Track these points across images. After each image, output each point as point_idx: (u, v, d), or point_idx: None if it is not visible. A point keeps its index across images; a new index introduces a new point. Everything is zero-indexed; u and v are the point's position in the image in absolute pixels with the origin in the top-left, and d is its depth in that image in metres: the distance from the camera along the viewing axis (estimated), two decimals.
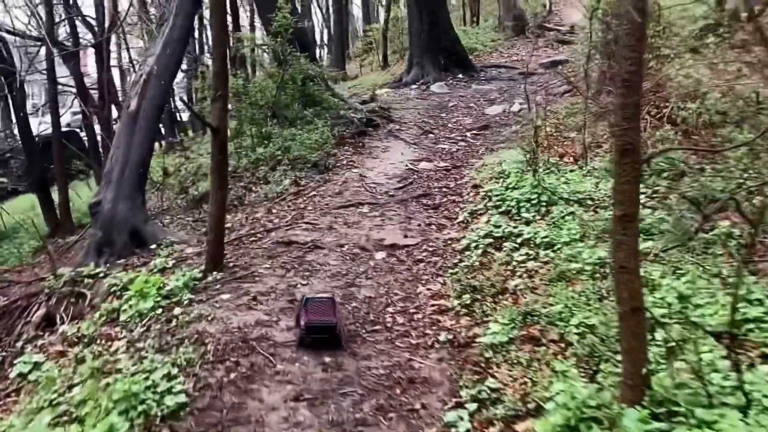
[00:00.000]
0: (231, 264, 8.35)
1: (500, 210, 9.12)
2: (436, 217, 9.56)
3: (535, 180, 9.16)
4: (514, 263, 7.44)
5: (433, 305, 7.03)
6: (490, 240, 8.08)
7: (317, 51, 39.77)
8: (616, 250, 4.22)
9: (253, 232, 9.60)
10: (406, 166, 12.20)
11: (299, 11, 15.78)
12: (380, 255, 8.45)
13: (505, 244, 7.89)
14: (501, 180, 10.43)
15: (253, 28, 26.68)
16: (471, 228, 8.89)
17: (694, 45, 11.98)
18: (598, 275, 6.62)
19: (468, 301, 6.81)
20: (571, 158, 11.03)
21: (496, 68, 20.85)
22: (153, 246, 9.52)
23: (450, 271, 7.73)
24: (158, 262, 8.76)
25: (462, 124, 15.29)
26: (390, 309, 7.06)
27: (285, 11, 13.46)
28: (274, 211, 10.48)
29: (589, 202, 8.82)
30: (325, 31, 44.34)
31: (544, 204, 8.83)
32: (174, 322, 6.88)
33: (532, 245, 7.70)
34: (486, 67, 20.86)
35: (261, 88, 14.56)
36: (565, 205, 8.71)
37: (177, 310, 7.20)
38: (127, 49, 27.64)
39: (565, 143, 11.84)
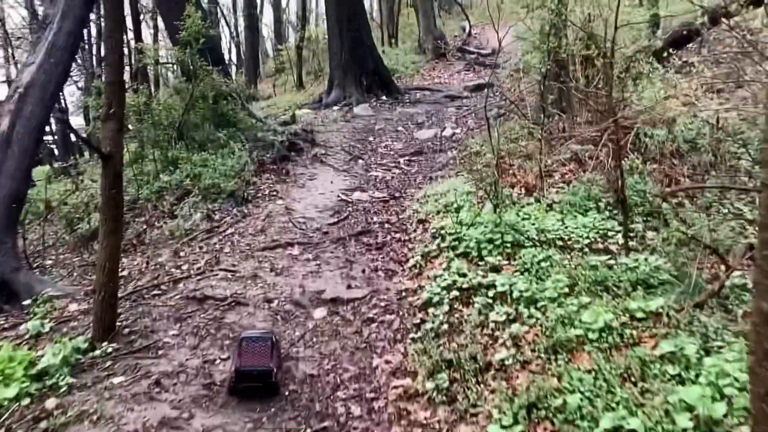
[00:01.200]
0: (127, 329, 6.36)
1: (457, 252, 7.56)
2: (383, 261, 7.88)
3: (495, 217, 7.66)
4: (492, 325, 5.86)
5: (396, 387, 5.32)
6: (456, 293, 6.48)
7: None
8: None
9: (156, 282, 7.60)
10: (338, 196, 10.49)
11: (210, 20, 13.84)
12: (320, 312, 6.67)
13: (475, 298, 6.30)
14: (451, 214, 8.91)
15: (156, 37, 24.28)
16: (427, 275, 7.27)
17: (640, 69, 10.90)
18: (607, 346, 5.12)
19: (444, 383, 5.14)
20: (523, 189, 9.65)
21: (420, 91, 19.52)
22: (27, 302, 7.38)
23: (411, 335, 6.06)
24: (32, 325, 6.64)
25: (393, 149, 13.74)
26: (340, 393, 5.30)
27: (196, 18, 11.52)
28: (182, 254, 8.50)
29: (559, 242, 7.41)
30: (234, 50, 42.11)
31: (508, 245, 7.34)
32: (45, 424, 4.87)
33: (509, 300, 6.15)
34: (410, 90, 19.50)
35: (166, 106, 12.49)
36: (535, 247, 7.25)
37: (51, 403, 5.19)
38: (15, 65, 24.60)
39: (511, 171, 10.48)
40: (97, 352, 5.90)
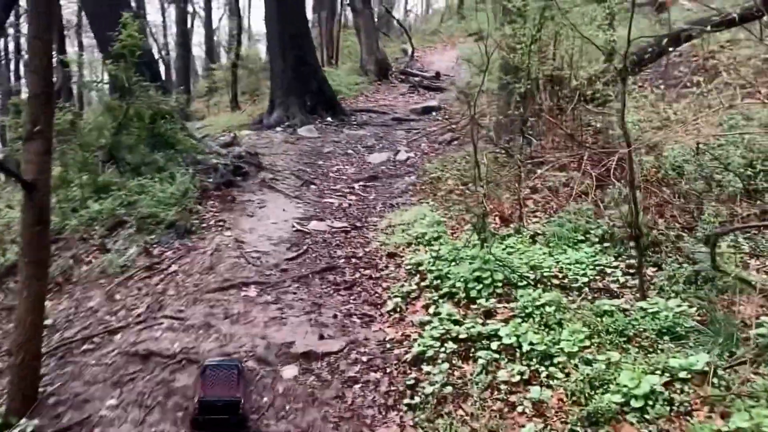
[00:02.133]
0: (52, 398, 5.07)
1: (441, 292, 6.60)
2: (355, 303, 6.80)
3: (484, 252, 6.72)
4: (504, 388, 4.88)
5: None
6: (452, 345, 5.48)
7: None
8: None
9: (87, 333, 6.28)
10: (293, 226, 9.34)
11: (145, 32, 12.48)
12: (290, 371, 5.53)
13: (477, 352, 5.32)
14: (423, 247, 7.94)
15: (82, 47, 22.49)
16: (410, 321, 6.25)
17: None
18: (655, 416, 4.22)
19: None
20: (498, 218, 8.79)
21: (366, 113, 18.58)
22: None
23: (406, 400, 5.00)
24: None
25: (345, 174, 12.70)
26: None
27: (133, 27, 10.21)
28: (117, 296, 7.18)
29: (555, 281, 6.54)
30: (163, 68, 40.25)
31: (499, 284, 6.43)
32: None
33: (518, 355, 5.19)
34: (355, 111, 18.53)
35: (96, 125, 11.08)
36: (530, 287, 6.36)
37: None
38: None
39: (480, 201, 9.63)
40: (16, 431, 4.60)
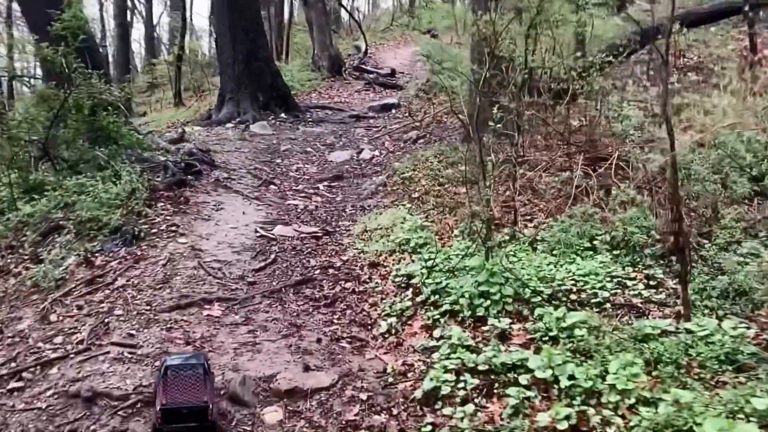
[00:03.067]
0: None
1: (441, 310, 5.59)
2: (341, 323, 5.72)
3: (489, 263, 5.74)
4: None
5: None
6: (471, 378, 4.47)
7: None
8: None
9: (15, 367, 4.99)
10: (256, 231, 8.16)
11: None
12: (273, 415, 4.40)
13: (503, 388, 4.33)
14: (409, 256, 6.94)
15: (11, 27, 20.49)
16: (410, 346, 5.22)
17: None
18: None
19: None
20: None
21: (322, 109, 17.45)
22: None
23: None
24: None
25: (307, 173, 11.56)
26: None
27: (77, 6, 8.80)
28: (53, 317, 5.87)
29: (573, 297, 5.62)
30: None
31: (509, 301, 5.46)
32: None
33: (555, 391, 4.23)
34: (310, 108, 17.36)
35: (28, 116, 9.61)
36: (546, 303, 5.43)
37: None
38: None
39: (458, 201, 8.69)
40: None
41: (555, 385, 4.19)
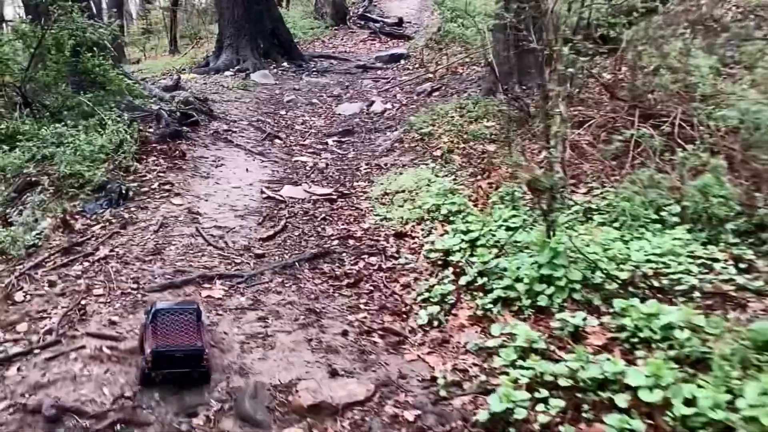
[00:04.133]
0: None
1: (491, 296, 4.48)
2: (369, 310, 4.59)
3: (551, 240, 4.60)
4: None
5: None
6: (553, 399, 3.37)
7: None
8: None
9: None
10: (262, 192, 6.99)
11: None
12: None
13: (599, 413, 3.23)
14: (440, 225, 5.80)
15: None
16: (459, 343, 4.11)
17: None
18: None
19: None
20: (524, 187, 6.68)
21: (326, 59, 16.07)
22: None
23: None
24: None
25: (314, 127, 10.32)
26: None
27: None
28: (18, 296, 4.71)
29: (655, 283, 4.50)
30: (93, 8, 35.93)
31: (577, 287, 4.35)
32: None
33: (668, 420, 3.13)
34: (314, 57, 15.99)
35: (2, 55, 8.28)
36: (620, 289, 4.33)
37: None
38: None
39: (487, 160, 7.51)
40: None
41: (668, 413, 3.10)
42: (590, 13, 8.94)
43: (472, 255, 4.96)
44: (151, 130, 8.43)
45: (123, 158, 6.83)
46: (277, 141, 9.21)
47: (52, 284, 4.82)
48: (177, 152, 7.69)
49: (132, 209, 6.19)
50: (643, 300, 4.03)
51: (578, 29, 8.77)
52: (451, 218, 5.92)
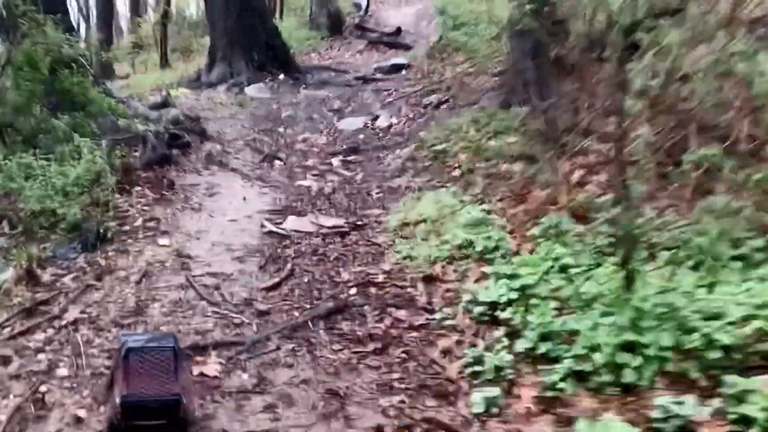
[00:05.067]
0: None
1: (561, 370, 3.48)
2: (406, 391, 3.56)
3: (632, 296, 3.59)
4: None
5: None
6: None
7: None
8: None
9: None
10: (263, 226, 5.95)
11: None
12: None
13: None
14: (476, 265, 4.81)
15: None
16: None
17: None
18: None
19: None
20: (569, 214, 5.68)
21: (324, 70, 15.05)
22: None
23: None
24: None
25: (316, 145, 9.30)
26: None
27: None
28: None
29: (759, 345, 3.50)
30: (83, 25, 34.91)
31: (667, 355, 3.36)
32: None
33: None
34: (311, 69, 14.97)
35: None
36: (725, 361, 3.34)
37: None
38: None
39: (512, 181, 6.52)
40: None
41: None
42: (622, 16, 8.02)
43: (526, 310, 3.95)
44: (137, 153, 7.41)
45: (102, 192, 5.78)
46: (276, 162, 8.19)
47: (6, 361, 3.78)
48: (165, 181, 6.66)
49: (110, 254, 5.15)
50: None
51: (608, 34, 7.83)
52: (488, 256, 4.92)
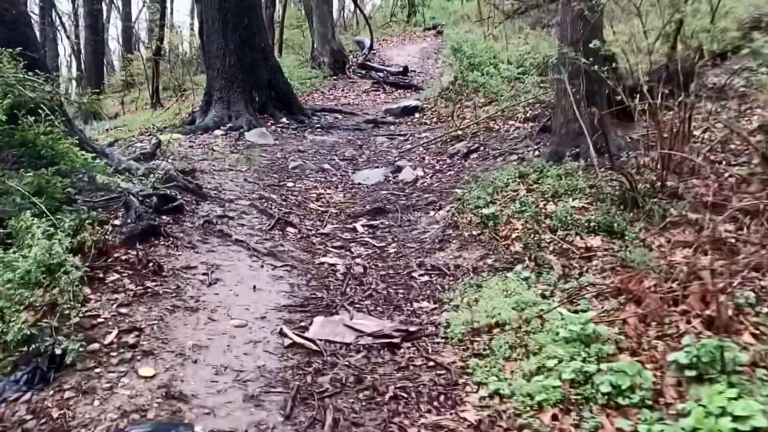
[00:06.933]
0: None
1: None
2: None
3: None
4: None
5: None
6: None
7: (65, 86, 28.99)
8: None
9: None
10: (282, 334, 4.26)
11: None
12: None
13: None
14: (610, 417, 3.11)
15: None
16: None
17: None
18: None
19: None
20: (698, 321, 4.05)
21: (330, 113, 13.54)
22: None
23: None
24: None
25: (332, 203, 7.68)
26: None
27: None
28: None
29: None
30: (74, 63, 33.43)
31: None
32: None
33: None
34: (316, 111, 13.43)
35: None
36: None
37: None
38: None
39: (637, 279, 4.85)
40: None
41: None
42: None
43: None
44: (117, 223, 5.71)
45: (62, 294, 4.05)
46: (289, 230, 6.53)
47: None
48: (150, 264, 4.95)
49: (67, 393, 3.42)
50: None
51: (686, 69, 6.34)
52: (622, 401, 3.27)
